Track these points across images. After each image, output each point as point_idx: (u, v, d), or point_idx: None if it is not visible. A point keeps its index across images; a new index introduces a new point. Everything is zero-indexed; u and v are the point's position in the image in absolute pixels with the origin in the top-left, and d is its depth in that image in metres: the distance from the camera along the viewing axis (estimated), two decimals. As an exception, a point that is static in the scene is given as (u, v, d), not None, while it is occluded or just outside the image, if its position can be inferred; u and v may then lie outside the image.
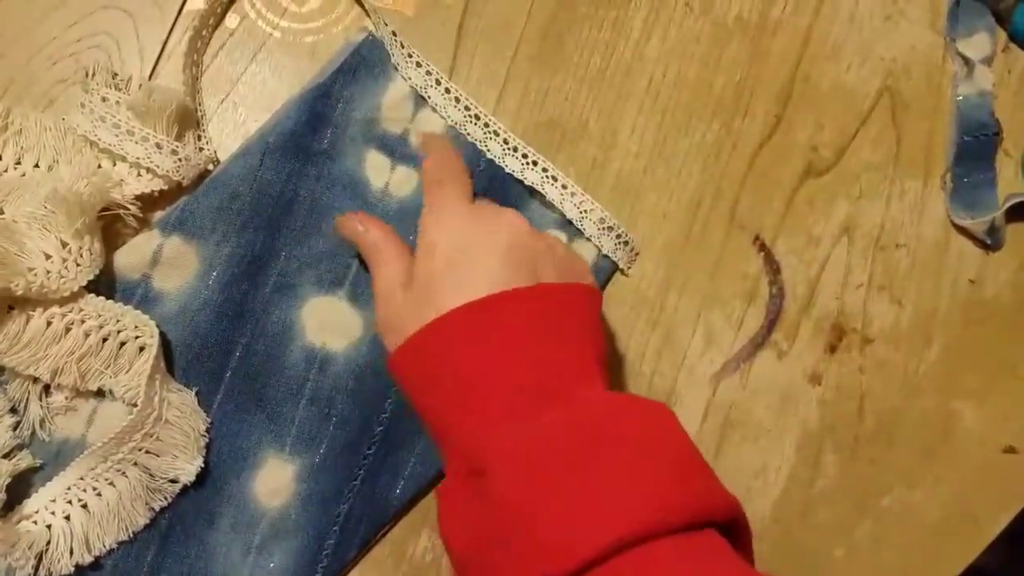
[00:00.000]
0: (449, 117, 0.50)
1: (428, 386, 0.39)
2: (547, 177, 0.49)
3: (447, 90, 0.49)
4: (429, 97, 0.49)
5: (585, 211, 0.50)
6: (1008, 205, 0.52)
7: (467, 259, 0.40)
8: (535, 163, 0.49)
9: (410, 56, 0.49)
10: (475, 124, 0.50)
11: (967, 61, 0.54)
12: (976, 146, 0.54)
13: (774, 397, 0.52)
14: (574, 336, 0.40)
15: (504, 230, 0.41)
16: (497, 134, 0.49)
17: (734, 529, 0.37)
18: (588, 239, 0.50)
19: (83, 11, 0.49)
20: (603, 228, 0.50)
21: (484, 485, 0.36)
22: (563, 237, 0.51)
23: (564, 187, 0.49)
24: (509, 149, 0.49)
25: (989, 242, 0.53)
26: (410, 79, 0.49)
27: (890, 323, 0.53)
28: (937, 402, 0.53)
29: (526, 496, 0.35)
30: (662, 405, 0.39)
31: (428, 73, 0.49)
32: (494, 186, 0.50)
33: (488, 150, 0.50)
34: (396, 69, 0.50)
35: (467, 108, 0.50)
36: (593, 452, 0.35)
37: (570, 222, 0.50)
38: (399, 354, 0.40)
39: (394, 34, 0.49)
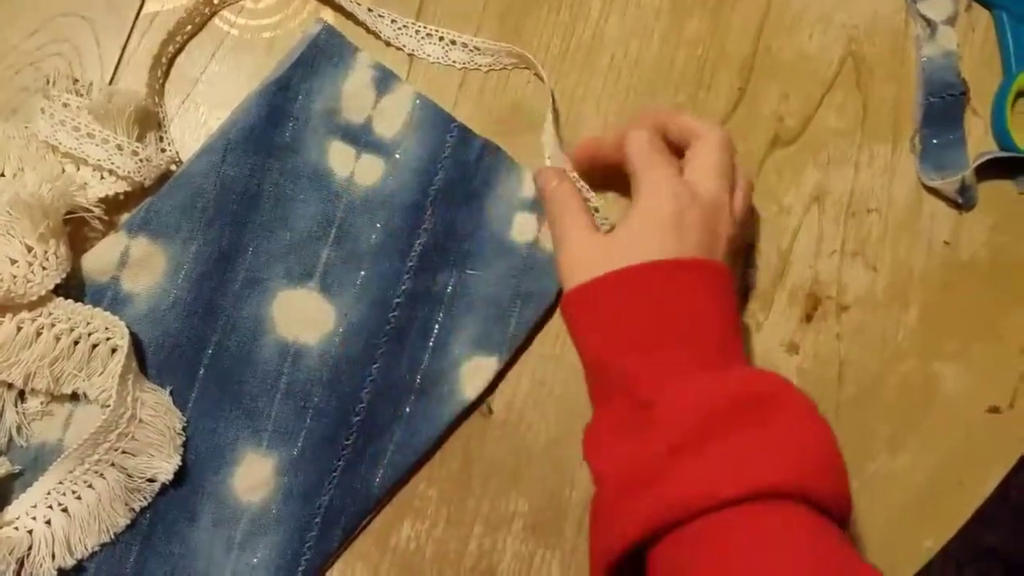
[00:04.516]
0: (429, 56, 0.51)
1: (608, 322, 0.42)
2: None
3: (416, 31, 0.51)
4: (404, 45, 0.51)
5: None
6: (978, 163, 0.52)
7: (682, 221, 0.43)
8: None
9: (370, 10, 0.51)
10: (462, 50, 0.52)
11: (929, 22, 0.54)
12: (943, 107, 0.53)
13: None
14: (732, 311, 0.44)
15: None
16: (478, 49, 0.52)
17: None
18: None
19: (42, 19, 0.50)
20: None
21: (649, 416, 0.39)
22: (533, 219, 0.51)
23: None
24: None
25: (961, 201, 0.53)
26: (380, 32, 0.51)
27: (865, 289, 0.53)
28: (918, 366, 0.52)
29: (689, 432, 0.38)
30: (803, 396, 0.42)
31: (393, 21, 0.51)
32: (462, 160, 0.50)
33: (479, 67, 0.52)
34: (359, 50, 0.50)
35: (441, 38, 0.51)
36: (748, 415, 0.39)
37: (538, 205, 0.50)
38: (590, 287, 0.43)
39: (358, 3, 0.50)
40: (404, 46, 0.51)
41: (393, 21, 0.51)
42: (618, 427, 0.41)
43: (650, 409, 0.39)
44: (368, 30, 0.51)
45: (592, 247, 0.44)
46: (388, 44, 0.52)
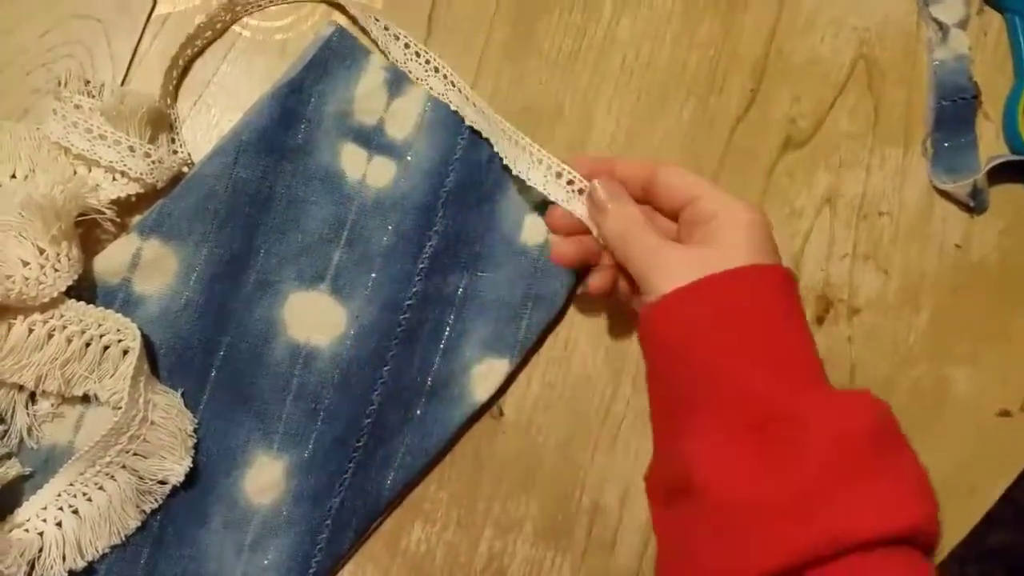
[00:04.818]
0: (431, 88, 0.50)
1: (714, 330, 0.40)
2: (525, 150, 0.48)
3: (427, 61, 0.50)
4: (410, 71, 0.50)
5: (560, 175, 0.47)
6: (990, 167, 0.52)
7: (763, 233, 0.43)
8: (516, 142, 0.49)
9: (387, 29, 0.50)
10: (456, 92, 0.50)
11: (941, 26, 0.54)
12: (955, 110, 0.53)
13: (764, 372, 0.52)
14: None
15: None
16: (475, 105, 0.49)
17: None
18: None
19: (54, 21, 0.50)
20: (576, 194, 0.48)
21: (793, 434, 0.37)
22: (543, 222, 0.50)
23: (539, 161, 0.48)
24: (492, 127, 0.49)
25: (973, 204, 0.53)
26: (389, 53, 0.50)
27: (877, 292, 0.53)
28: (929, 369, 0.52)
29: (837, 461, 0.37)
30: None
31: (407, 46, 0.50)
32: (474, 162, 0.50)
33: (465, 116, 0.50)
34: (371, 53, 0.50)
35: (445, 77, 0.50)
36: (886, 447, 0.38)
37: (546, 208, 0.50)
38: (687, 292, 0.40)
39: (375, 19, 0.50)
40: (410, 71, 0.50)
41: (407, 46, 0.50)
42: (740, 441, 0.38)
43: (791, 426, 0.37)
44: (379, 47, 0.51)
45: (684, 259, 0.42)
46: (395, 65, 0.51)
